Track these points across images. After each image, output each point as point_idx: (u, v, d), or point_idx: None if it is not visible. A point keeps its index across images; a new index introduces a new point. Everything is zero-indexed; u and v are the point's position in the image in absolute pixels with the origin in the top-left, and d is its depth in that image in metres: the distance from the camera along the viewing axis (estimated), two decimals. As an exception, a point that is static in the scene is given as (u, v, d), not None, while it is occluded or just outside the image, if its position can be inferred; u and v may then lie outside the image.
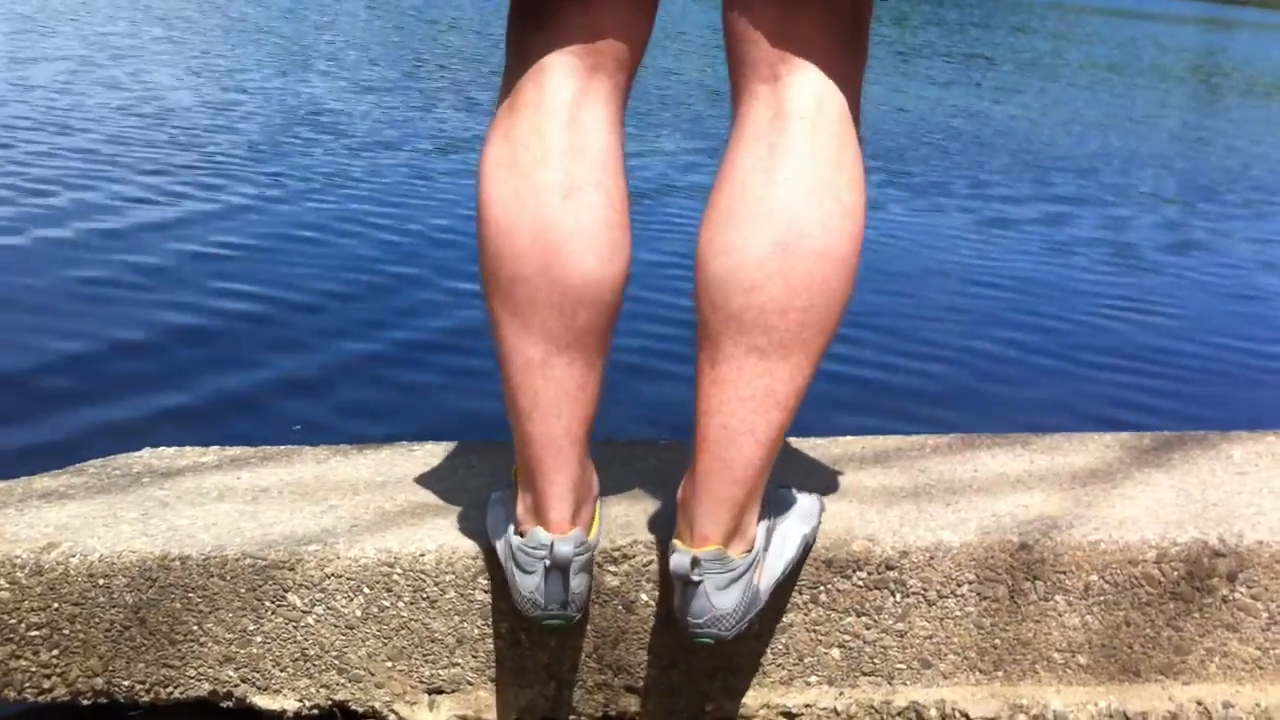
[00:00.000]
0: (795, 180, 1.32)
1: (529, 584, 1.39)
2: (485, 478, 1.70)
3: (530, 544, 1.38)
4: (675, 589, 1.39)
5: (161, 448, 1.85)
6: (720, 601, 1.36)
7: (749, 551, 1.39)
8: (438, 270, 4.04)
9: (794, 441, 1.84)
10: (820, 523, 1.54)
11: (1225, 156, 8.87)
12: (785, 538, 1.45)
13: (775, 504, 1.48)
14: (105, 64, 7.88)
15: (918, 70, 12.78)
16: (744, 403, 1.34)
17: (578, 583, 1.39)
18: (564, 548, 1.37)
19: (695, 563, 1.35)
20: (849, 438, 1.89)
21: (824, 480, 1.70)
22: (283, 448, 1.84)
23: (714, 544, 1.37)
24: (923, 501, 1.64)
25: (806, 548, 1.50)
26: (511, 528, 1.43)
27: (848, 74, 1.36)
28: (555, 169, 1.33)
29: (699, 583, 1.36)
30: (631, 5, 1.37)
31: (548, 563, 1.37)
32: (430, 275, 3.98)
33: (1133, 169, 7.80)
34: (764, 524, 1.43)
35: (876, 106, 9.02)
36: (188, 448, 1.84)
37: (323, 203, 4.84)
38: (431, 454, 1.81)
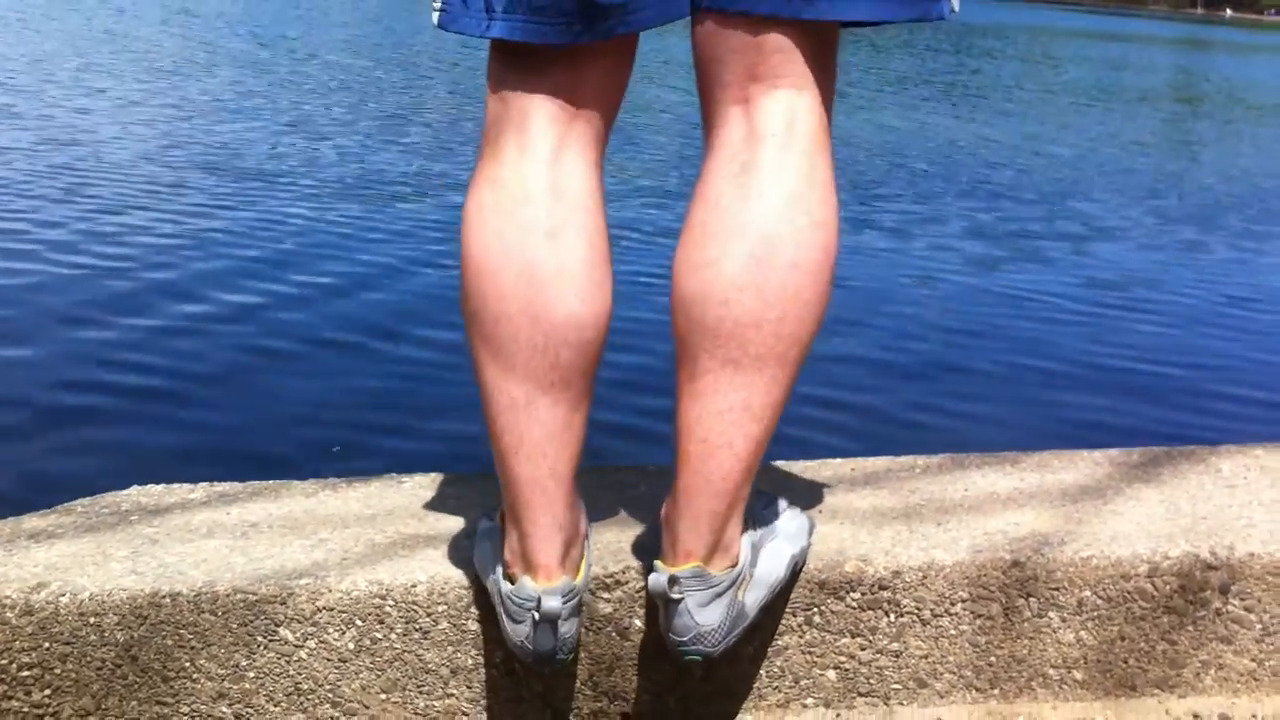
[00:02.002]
0: (767, 197, 1.34)
1: (520, 632, 1.39)
2: (474, 509, 1.69)
3: (519, 594, 1.38)
4: (659, 609, 1.39)
5: (149, 485, 1.84)
6: (703, 618, 1.37)
7: (733, 566, 1.39)
8: (418, 306, 4.04)
9: (783, 464, 1.84)
10: (810, 543, 1.53)
11: (1208, 178, 8.92)
12: (773, 557, 1.45)
13: (762, 523, 1.48)
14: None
15: (892, 98, 12.84)
16: (720, 416, 1.35)
17: (566, 629, 1.39)
18: (551, 603, 1.36)
19: (674, 581, 1.36)
20: (839, 460, 1.89)
21: (814, 502, 1.70)
22: (271, 483, 1.83)
23: (695, 560, 1.37)
24: (914, 521, 1.64)
25: (796, 568, 1.50)
26: (500, 569, 1.42)
27: (818, 92, 1.38)
28: (538, 210, 1.35)
29: (679, 600, 1.36)
30: (612, 56, 1.39)
31: (536, 616, 1.37)
32: (411, 311, 3.98)
33: (1113, 191, 7.84)
34: (749, 539, 1.43)
35: (852, 135, 9.06)
36: (176, 485, 1.84)
37: (301, 247, 4.84)
38: (420, 486, 1.80)
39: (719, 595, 1.38)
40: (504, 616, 1.40)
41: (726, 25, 1.35)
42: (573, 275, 1.35)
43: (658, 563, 1.40)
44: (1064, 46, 28.25)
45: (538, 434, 1.37)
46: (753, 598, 1.42)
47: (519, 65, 1.38)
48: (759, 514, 1.48)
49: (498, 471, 1.41)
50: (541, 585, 1.37)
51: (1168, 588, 1.54)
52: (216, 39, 12.78)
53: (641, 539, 1.58)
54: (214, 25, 13.92)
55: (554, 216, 1.35)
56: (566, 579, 1.39)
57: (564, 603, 1.37)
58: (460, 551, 1.56)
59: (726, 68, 1.36)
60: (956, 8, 1.39)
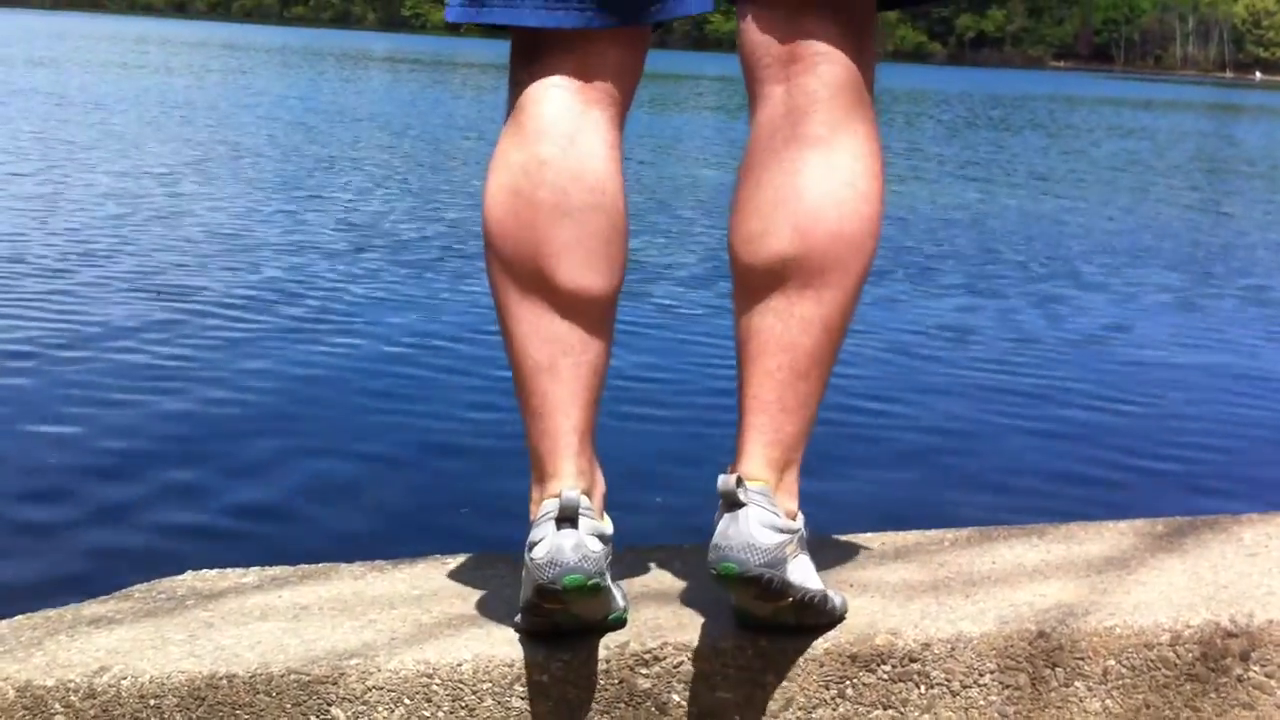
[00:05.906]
0: (811, 170, 1.43)
1: (541, 552, 1.43)
2: (516, 588, 1.75)
3: (540, 514, 1.46)
4: (718, 516, 1.42)
5: (203, 570, 1.90)
6: (759, 535, 1.39)
7: (791, 519, 1.46)
8: (458, 388, 4.11)
9: (815, 540, 1.89)
10: (844, 616, 1.59)
11: (1239, 251, 8.91)
12: (813, 571, 1.51)
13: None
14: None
15: (918, 174, 12.91)
16: (771, 375, 1.46)
17: (591, 542, 1.42)
18: (570, 494, 1.43)
19: (741, 483, 1.41)
20: (868, 534, 1.93)
21: (845, 577, 1.75)
22: (321, 566, 1.90)
23: (763, 482, 1.45)
24: (942, 594, 1.69)
25: (834, 605, 1.55)
26: (526, 552, 1.48)
27: (857, 69, 1.46)
28: (554, 191, 1.45)
29: (744, 506, 1.40)
30: (620, 47, 1.49)
31: (555, 515, 1.43)
32: (451, 393, 4.05)
33: (1142, 265, 7.86)
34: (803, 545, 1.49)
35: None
36: (229, 569, 1.90)
37: (337, 321, 4.93)
38: (464, 567, 1.86)
39: (777, 530, 1.41)
40: (528, 563, 1.45)
41: (766, 14, 1.45)
42: (588, 251, 1.46)
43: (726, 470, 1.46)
44: (1097, 114, 28.33)
45: (560, 394, 1.49)
46: (798, 576, 1.45)
47: (536, 52, 1.49)
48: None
49: (525, 428, 1.52)
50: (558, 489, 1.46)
51: (1190, 655, 1.58)
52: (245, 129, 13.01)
53: (679, 616, 1.63)
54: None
55: (570, 197, 1.46)
56: (586, 498, 1.47)
57: (584, 508, 1.43)
58: (503, 630, 1.62)
59: (768, 52, 1.46)
60: None
